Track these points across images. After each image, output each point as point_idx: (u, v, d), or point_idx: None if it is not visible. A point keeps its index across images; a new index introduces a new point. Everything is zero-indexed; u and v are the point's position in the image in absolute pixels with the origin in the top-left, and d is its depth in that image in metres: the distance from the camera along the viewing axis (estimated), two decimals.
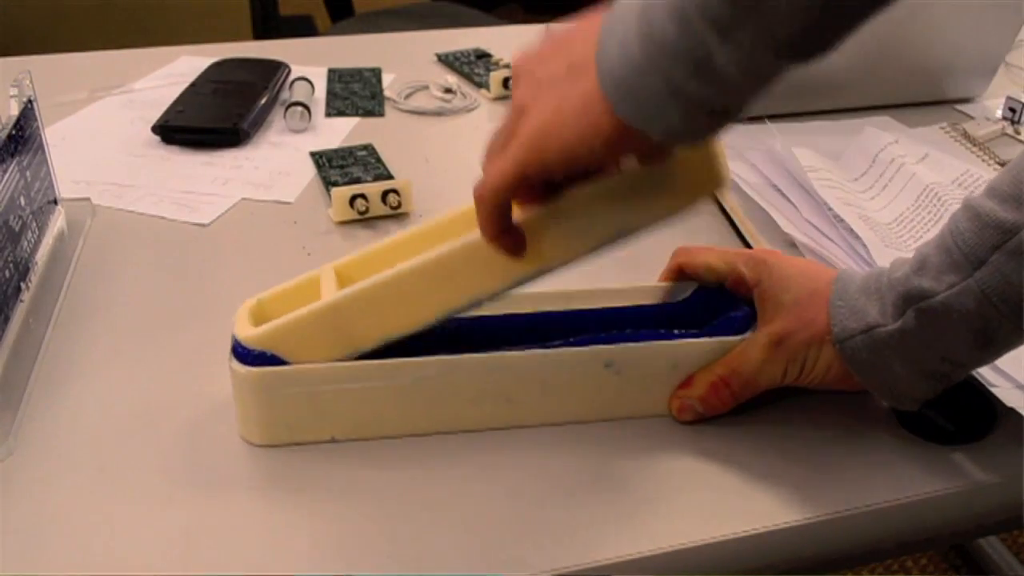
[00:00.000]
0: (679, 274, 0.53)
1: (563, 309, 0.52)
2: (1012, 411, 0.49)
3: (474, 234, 0.44)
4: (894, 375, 0.46)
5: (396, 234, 0.49)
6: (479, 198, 0.43)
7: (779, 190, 0.69)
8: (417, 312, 0.45)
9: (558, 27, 0.43)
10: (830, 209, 0.65)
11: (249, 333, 0.45)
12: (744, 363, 0.48)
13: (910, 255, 0.47)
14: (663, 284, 0.54)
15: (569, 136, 0.39)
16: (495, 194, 0.42)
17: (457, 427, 0.48)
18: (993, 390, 0.49)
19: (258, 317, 0.47)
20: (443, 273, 0.45)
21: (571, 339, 0.48)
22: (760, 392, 0.49)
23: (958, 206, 0.45)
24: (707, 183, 0.45)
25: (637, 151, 0.41)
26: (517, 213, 0.44)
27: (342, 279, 0.48)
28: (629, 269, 0.65)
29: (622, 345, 0.48)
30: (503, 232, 0.43)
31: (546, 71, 0.41)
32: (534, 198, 0.44)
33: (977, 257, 0.43)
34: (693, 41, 0.35)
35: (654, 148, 0.40)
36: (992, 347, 0.45)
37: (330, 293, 0.46)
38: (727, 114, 0.38)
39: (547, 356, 0.47)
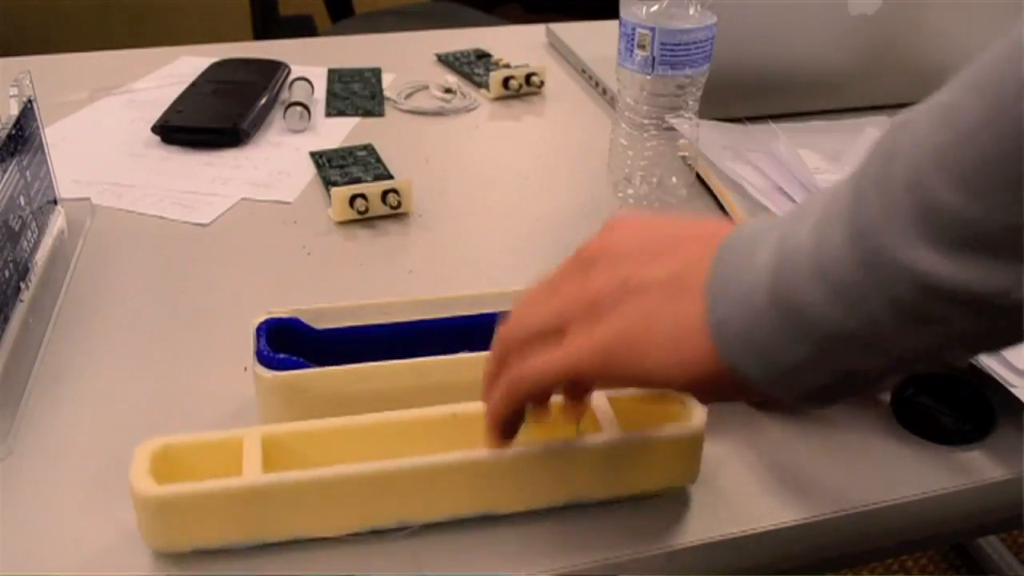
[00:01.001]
0: None
1: None
2: (1012, 411, 0.49)
3: (423, 457, 0.41)
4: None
5: (331, 419, 0.44)
6: (516, 379, 0.38)
7: (784, 192, 0.69)
8: (341, 520, 0.41)
9: (665, 216, 0.38)
10: None
11: (148, 489, 0.39)
12: None
13: None
14: None
15: (653, 359, 0.34)
16: (535, 384, 0.37)
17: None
18: (1013, 390, 0.48)
19: (163, 464, 0.41)
20: (382, 488, 0.41)
21: None
22: None
23: None
24: (681, 476, 0.44)
25: (732, 396, 0.36)
26: (488, 441, 0.41)
27: (268, 451, 0.42)
28: None
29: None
30: (511, 420, 0.39)
31: (637, 268, 0.36)
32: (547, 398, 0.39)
33: None
34: (865, 328, 0.30)
35: (753, 396, 0.35)
36: None
37: (253, 466, 0.40)
38: (881, 380, 0.34)
39: None
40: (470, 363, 0.47)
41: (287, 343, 0.48)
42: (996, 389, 0.49)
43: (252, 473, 0.40)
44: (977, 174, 0.27)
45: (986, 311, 0.28)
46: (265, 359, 0.46)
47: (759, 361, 0.33)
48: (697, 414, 0.43)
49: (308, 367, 0.46)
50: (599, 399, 0.44)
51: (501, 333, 0.39)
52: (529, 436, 0.44)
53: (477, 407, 0.44)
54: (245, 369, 0.52)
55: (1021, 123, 0.26)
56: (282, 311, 0.49)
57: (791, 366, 0.32)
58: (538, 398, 0.39)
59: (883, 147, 0.30)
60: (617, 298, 0.36)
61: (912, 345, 0.30)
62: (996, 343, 0.31)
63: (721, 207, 0.70)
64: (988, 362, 0.49)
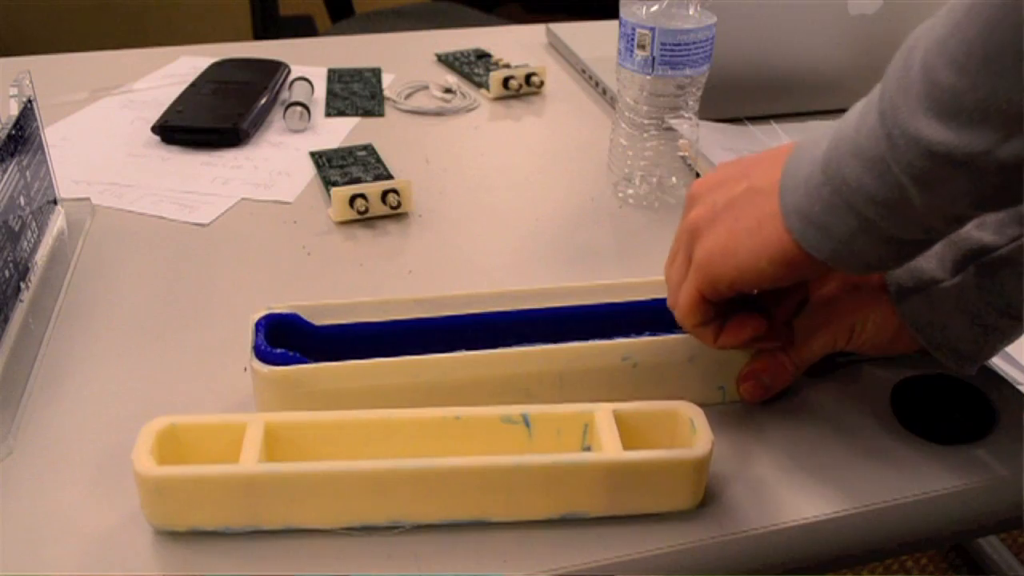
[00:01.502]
0: None
1: (578, 304, 0.52)
2: (1012, 411, 0.49)
3: (418, 460, 0.41)
4: (953, 332, 0.47)
5: (336, 412, 0.44)
6: (681, 322, 0.46)
7: None
8: (334, 514, 0.42)
9: (740, 159, 0.45)
10: None
11: (147, 469, 0.40)
12: (796, 332, 0.49)
13: None
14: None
15: (743, 254, 0.42)
16: (688, 320, 0.45)
17: (477, 403, 0.47)
18: (1021, 388, 0.48)
19: (168, 444, 0.42)
20: (376, 487, 0.41)
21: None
22: (816, 359, 0.50)
23: None
24: (683, 500, 0.43)
25: (806, 274, 0.43)
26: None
27: (270, 439, 0.43)
28: (630, 267, 0.65)
29: (640, 339, 0.48)
30: (713, 330, 0.46)
31: (724, 194, 0.43)
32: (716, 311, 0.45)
33: None
34: (894, 192, 0.36)
35: (823, 271, 0.42)
36: None
37: (253, 452, 0.41)
38: (919, 245, 0.40)
39: (565, 351, 0.47)
40: (467, 361, 0.47)
41: (286, 339, 0.48)
42: (996, 388, 0.49)
43: (249, 461, 0.40)
44: (965, 56, 0.33)
45: (978, 170, 0.34)
46: (262, 354, 0.46)
47: (820, 235, 0.39)
48: (703, 438, 0.42)
49: (304, 362, 0.46)
50: (604, 415, 0.44)
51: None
52: (532, 447, 0.44)
53: (480, 411, 0.44)
54: (245, 369, 0.52)
55: (994, 12, 0.32)
56: (281, 307, 0.49)
57: (845, 236, 0.38)
58: (708, 316, 0.45)
59: (907, 45, 0.36)
60: (710, 219, 0.43)
61: (931, 205, 0.36)
62: (998, 201, 0.36)
63: None
64: (994, 360, 0.49)
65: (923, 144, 0.34)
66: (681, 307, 0.45)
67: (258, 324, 0.48)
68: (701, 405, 0.44)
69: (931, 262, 0.46)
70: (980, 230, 0.45)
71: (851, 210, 0.38)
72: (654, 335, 0.49)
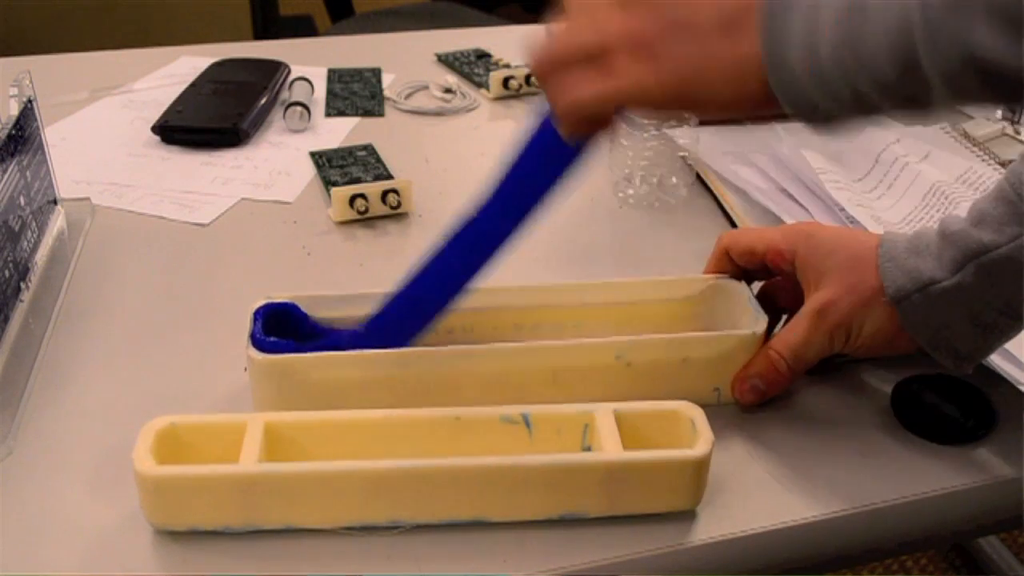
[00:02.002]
0: (726, 260, 0.53)
1: (575, 302, 0.52)
2: (1012, 411, 0.49)
3: (416, 461, 0.41)
4: (952, 332, 0.47)
5: (335, 412, 0.44)
6: (575, 102, 0.40)
7: (789, 194, 0.69)
8: (333, 514, 0.42)
9: None
10: (842, 210, 0.65)
11: (146, 468, 0.40)
12: (792, 336, 0.48)
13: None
14: (669, 279, 0.54)
15: (714, 95, 0.38)
16: (597, 108, 0.40)
17: (470, 403, 0.47)
18: (1021, 387, 0.48)
19: (167, 443, 0.42)
20: (375, 487, 0.41)
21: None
22: (814, 363, 0.49)
23: (966, 203, 0.45)
24: (683, 501, 0.43)
25: (773, 117, 0.40)
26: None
27: (270, 438, 0.43)
28: (630, 267, 0.65)
29: (633, 338, 0.48)
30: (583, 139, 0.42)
31: (684, 9, 0.37)
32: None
33: None
34: (911, 87, 0.33)
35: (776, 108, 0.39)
36: None
37: (253, 452, 0.41)
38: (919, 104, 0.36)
39: (558, 348, 0.47)
40: (459, 355, 0.47)
41: (284, 330, 0.48)
42: (996, 388, 0.49)
43: (248, 461, 0.41)
44: None
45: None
46: (258, 342, 0.46)
47: (805, 95, 0.36)
48: (703, 438, 0.42)
49: (301, 351, 0.46)
50: (605, 415, 0.44)
51: (539, 54, 0.42)
52: (532, 447, 0.44)
53: (480, 411, 0.44)
54: (245, 369, 0.52)
55: None
56: (281, 296, 0.49)
57: (833, 108, 0.36)
58: (599, 124, 0.41)
59: None
60: (669, 36, 0.37)
61: (948, 106, 0.34)
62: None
63: (722, 207, 0.70)
64: (995, 360, 0.49)
65: (973, 53, 0.31)
66: (594, 96, 0.39)
67: (256, 313, 0.48)
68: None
69: (929, 262, 0.46)
70: (979, 229, 0.45)
71: (849, 86, 0.34)
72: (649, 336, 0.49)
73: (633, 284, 0.53)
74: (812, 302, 0.48)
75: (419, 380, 0.47)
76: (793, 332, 0.49)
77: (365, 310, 0.49)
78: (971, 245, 0.45)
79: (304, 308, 0.49)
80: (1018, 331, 0.47)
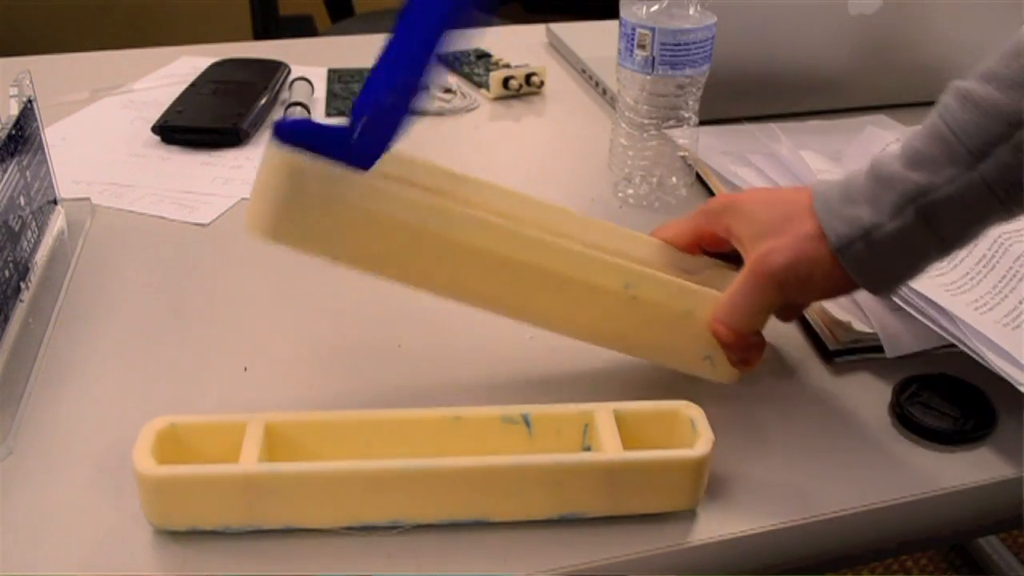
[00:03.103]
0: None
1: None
2: (1012, 411, 0.49)
3: (415, 461, 0.41)
4: (896, 274, 0.46)
5: (335, 412, 0.44)
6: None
7: None
8: (333, 514, 0.41)
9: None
10: None
11: (146, 468, 0.40)
12: (727, 299, 0.48)
13: None
14: (678, 252, 0.54)
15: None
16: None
17: (468, 296, 0.47)
18: (1021, 388, 0.48)
19: (168, 443, 0.42)
20: (374, 487, 0.41)
21: None
22: (762, 318, 0.48)
23: None
24: (682, 501, 0.43)
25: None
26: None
27: (270, 439, 0.42)
28: None
29: (648, 271, 0.48)
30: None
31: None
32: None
33: (980, 150, 0.42)
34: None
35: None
36: (985, 231, 0.45)
37: (253, 452, 0.41)
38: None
39: (575, 253, 0.47)
40: (480, 225, 0.45)
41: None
42: (996, 388, 0.49)
43: (249, 461, 0.40)
44: None
45: None
46: (281, 129, 0.42)
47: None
48: (703, 438, 0.42)
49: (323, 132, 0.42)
50: (604, 415, 0.44)
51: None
52: (532, 447, 0.44)
53: (480, 411, 0.44)
54: (245, 369, 0.52)
55: None
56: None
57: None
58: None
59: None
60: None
61: None
62: None
63: None
64: (995, 360, 0.49)
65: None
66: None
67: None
68: (689, 374, 0.45)
69: (864, 208, 0.45)
70: (914, 171, 0.44)
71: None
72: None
73: (644, 241, 0.53)
74: (749, 262, 0.48)
75: (434, 238, 0.45)
76: (728, 294, 0.48)
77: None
78: (908, 188, 0.44)
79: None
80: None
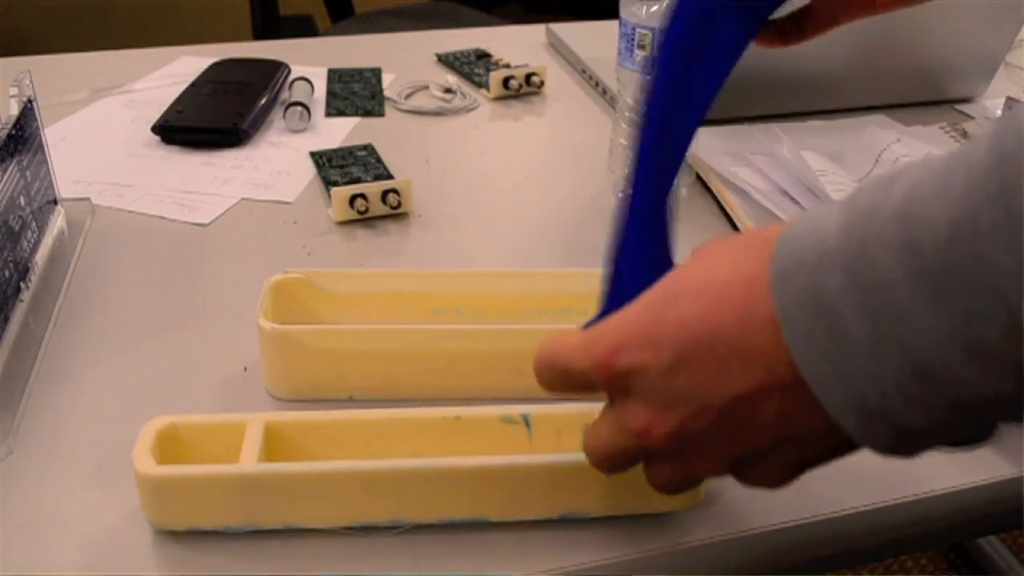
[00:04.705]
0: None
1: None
2: None
3: (415, 461, 0.41)
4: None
5: (335, 411, 0.44)
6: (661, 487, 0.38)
7: (787, 194, 0.69)
8: (334, 513, 0.41)
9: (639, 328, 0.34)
10: None
11: (146, 468, 0.40)
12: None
13: None
14: None
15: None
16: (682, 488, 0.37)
17: (468, 394, 0.49)
18: None
19: (168, 443, 0.42)
20: (374, 487, 0.41)
21: None
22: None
23: None
24: (682, 500, 0.43)
25: None
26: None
27: (270, 439, 0.43)
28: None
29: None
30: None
31: (700, 395, 0.32)
32: None
33: None
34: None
35: None
36: None
37: (253, 452, 0.41)
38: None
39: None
40: (459, 335, 0.48)
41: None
42: None
43: (249, 461, 0.41)
44: None
45: None
46: None
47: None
48: None
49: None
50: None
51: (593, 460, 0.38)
52: (532, 447, 0.44)
53: (480, 411, 0.44)
54: (245, 369, 0.52)
55: None
56: (295, 272, 0.53)
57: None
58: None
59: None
60: (707, 433, 0.33)
61: None
62: None
63: (722, 208, 0.70)
64: None
65: None
66: (673, 485, 0.37)
67: None
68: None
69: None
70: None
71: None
72: None
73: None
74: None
75: (427, 356, 0.48)
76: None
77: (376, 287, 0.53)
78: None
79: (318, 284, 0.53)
80: None
